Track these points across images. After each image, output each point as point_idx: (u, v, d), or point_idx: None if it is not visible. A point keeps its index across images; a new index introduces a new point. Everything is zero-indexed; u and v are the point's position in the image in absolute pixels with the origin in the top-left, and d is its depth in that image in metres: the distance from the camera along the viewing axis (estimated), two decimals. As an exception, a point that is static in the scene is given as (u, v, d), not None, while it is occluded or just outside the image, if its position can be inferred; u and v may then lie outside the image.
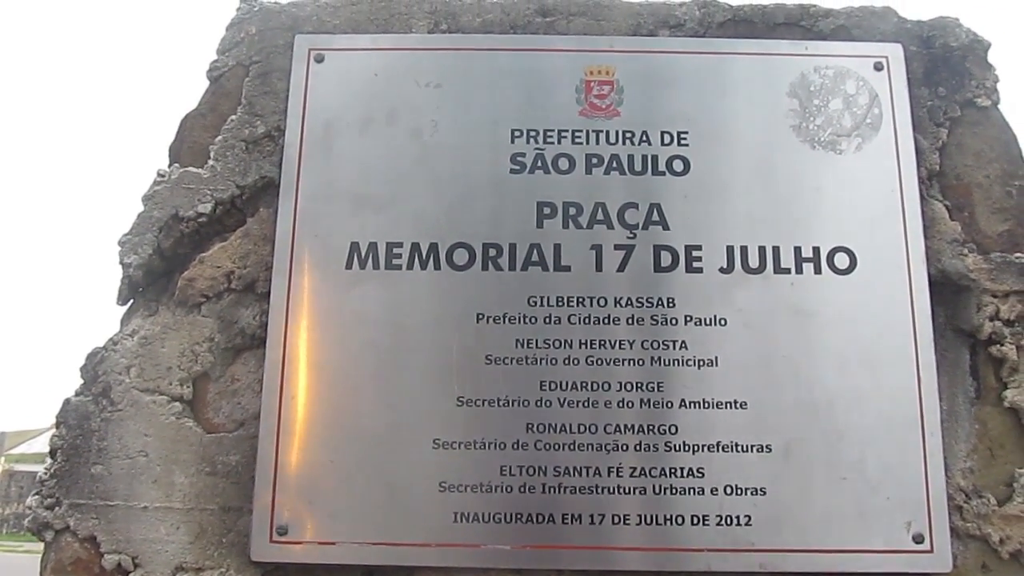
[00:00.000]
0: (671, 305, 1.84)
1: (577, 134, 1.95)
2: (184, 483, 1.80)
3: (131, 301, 1.95)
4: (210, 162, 1.97)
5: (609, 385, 1.80)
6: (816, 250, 1.87)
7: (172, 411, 1.84)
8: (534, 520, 1.74)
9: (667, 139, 1.95)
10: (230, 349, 1.89)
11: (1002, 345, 1.85)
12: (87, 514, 1.78)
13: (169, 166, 1.98)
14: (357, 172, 1.93)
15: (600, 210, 1.90)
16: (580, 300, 1.84)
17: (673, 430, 1.77)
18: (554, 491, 1.75)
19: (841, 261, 1.86)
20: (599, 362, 1.81)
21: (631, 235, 1.88)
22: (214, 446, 1.82)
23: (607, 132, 1.95)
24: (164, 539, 1.77)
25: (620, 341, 1.82)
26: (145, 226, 1.92)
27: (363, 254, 1.87)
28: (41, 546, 1.81)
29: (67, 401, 1.85)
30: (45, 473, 1.82)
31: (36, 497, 1.80)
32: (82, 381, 1.87)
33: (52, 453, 1.83)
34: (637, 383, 1.80)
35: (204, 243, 1.95)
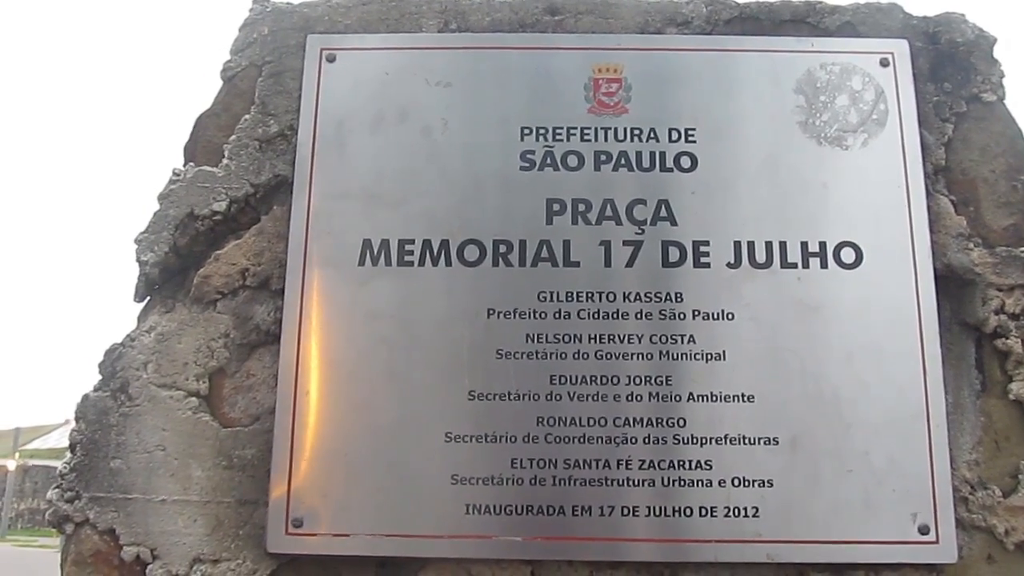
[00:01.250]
0: (679, 300, 1.86)
1: (586, 131, 1.97)
2: (201, 476, 1.83)
3: (148, 298, 1.98)
4: (224, 161, 1.99)
5: (618, 379, 1.82)
6: (822, 245, 1.88)
7: (189, 406, 1.87)
8: (545, 512, 1.76)
9: (675, 136, 1.96)
10: (245, 345, 1.91)
11: (1007, 339, 1.86)
12: (106, 507, 1.81)
13: (184, 165, 2.01)
14: (369, 170, 1.95)
15: (609, 206, 1.92)
16: (589, 295, 1.86)
17: (682, 423, 1.79)
18: (564, 483, 1.77)
19: (847, 256, 1.88)
20: (608, 356, 1.83)
21: (639, 231, 1.90)
22: (230, 440, 1.85)
23: (615, 129, 1.97)
24: (182, 531, 1.80)
25: (629, 335, 1.84)
26: (161, 224, 1.95)
27: (375, 251, 1.89)
28: (56, 542, 1.86)
29: (86, 396, 1.88)
30: (65, 467, 1.85)
31: (56, 491, 1.83)
32: (100, 377, 1.90)
33: (72, 447, 1.87)
34: (646, 377, 1.82)
35: (219, 241, 1.97)
